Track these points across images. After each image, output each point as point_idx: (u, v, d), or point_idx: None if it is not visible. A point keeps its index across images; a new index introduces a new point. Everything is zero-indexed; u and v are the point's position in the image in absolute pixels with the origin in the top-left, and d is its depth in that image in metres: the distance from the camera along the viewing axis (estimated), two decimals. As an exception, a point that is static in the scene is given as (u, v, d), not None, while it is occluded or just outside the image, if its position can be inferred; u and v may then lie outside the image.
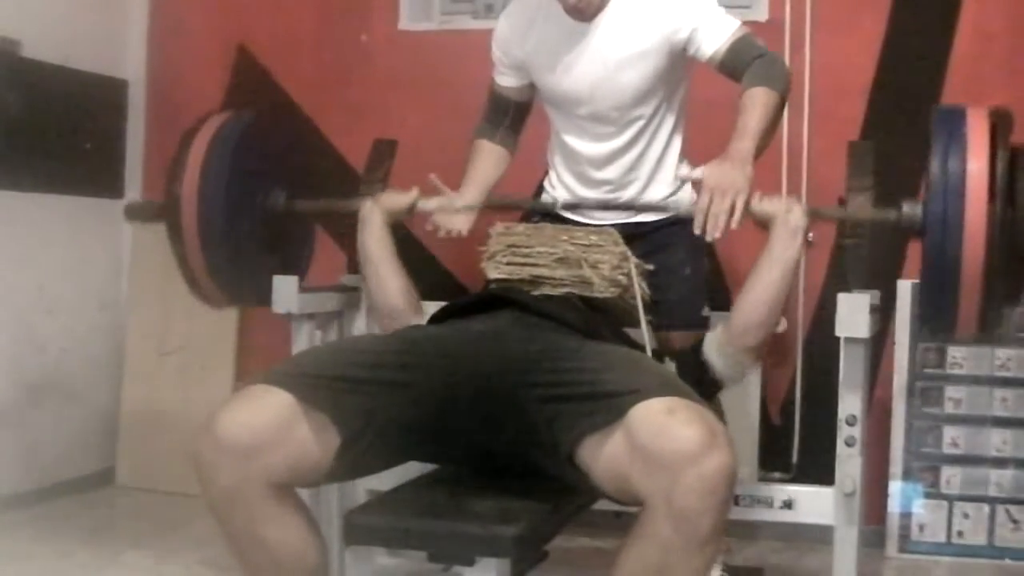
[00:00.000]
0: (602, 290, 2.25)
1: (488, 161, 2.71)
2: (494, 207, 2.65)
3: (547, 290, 2.26)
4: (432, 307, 2.45)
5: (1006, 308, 2.20)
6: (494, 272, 2.32)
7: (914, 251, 2.52)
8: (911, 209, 2.20)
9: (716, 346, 2.19)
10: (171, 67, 4.03)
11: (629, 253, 2.30)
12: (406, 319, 2.35)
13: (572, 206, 2.57)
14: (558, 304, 2.17)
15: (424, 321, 2.34)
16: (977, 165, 2.07)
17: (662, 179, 2.61)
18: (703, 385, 2.15)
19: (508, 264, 2.30)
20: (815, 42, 3.39)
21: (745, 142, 2.30)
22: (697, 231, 2.22)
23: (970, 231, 2.04)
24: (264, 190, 2.61)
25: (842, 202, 2.36)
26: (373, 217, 2.48)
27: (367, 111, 3.74)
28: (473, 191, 2.64)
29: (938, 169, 2.09)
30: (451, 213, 2.59)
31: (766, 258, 2.17)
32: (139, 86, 4.05)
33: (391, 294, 2.41)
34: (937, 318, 2.19)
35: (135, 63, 4.05)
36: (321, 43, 3.87)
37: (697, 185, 2.35)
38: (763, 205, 2.22)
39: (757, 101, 2.36)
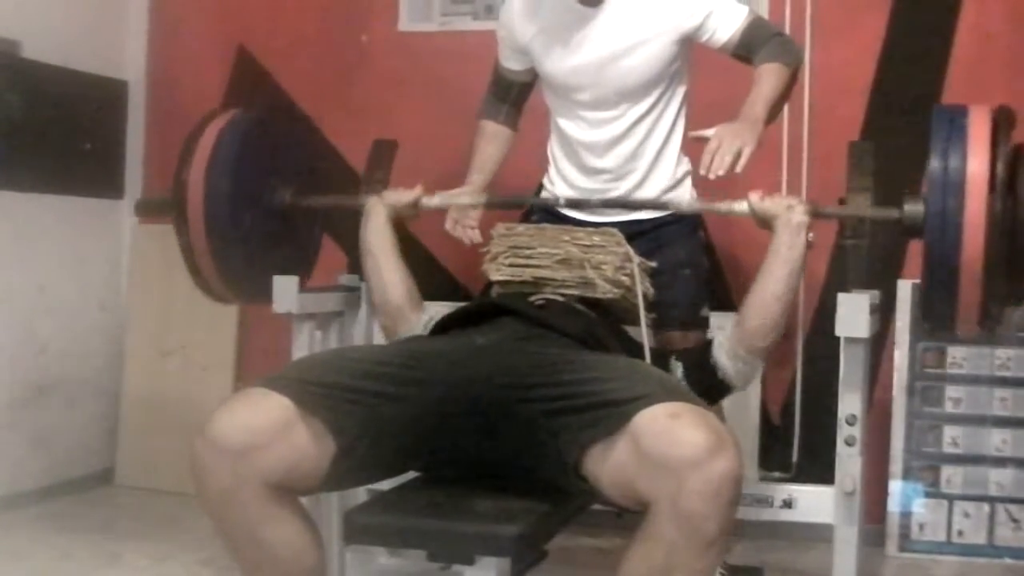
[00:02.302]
0: (605, 291, 2.25)
1: (493, 145, 2.76)
2: (496, 207, 2.67)
3: (549, 292, 2.25)
4: (432, 307, 2.45)
5: (1007, 307, 2.18)
6: (496, 274, 2.32)
7: (914, 251, 2.52)
8: (912, 208, 2.19)
9: (726, 349, 2.18)
10: (171, 67, 4.03)
11: (632, 253, 2.30)
12: (406, 316, 2.35)
13: (575, 204, 2.58)
14: (559, 312, 2.16)
15: (425, 318, 2.33)
16: (978, 163, 2.06)
17: (662, 171, 2.62)
18: (711, 389, 2.16)
19: (510, 266, 2.30)
20: (815, 42, 3.38)
21: (757, 107, 2.38)
22: (703, 171, 2.29)
23: (970, 229, 2.04)
24: (270, 186, 2.63)
25: (842, 202, 2.36)
26: (376, 212, 2.48)
27: (367, 111, 3.74)
28: (479, 178, 2.70)
29: (938, 167, 2.08)
30: (461, 220, 2.67)
31: (771, 258, 2.18)
32: (139, 86, 4.05)
33: (390, 290, 2.40)
34: (938, 317, 2.19)
35: (135, 63, 4.05)
36: (321, 43, 3.87)
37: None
38: (765, 204, 2.23)
39: (770, 74, 2.45)
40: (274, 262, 2.63)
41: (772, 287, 2.16)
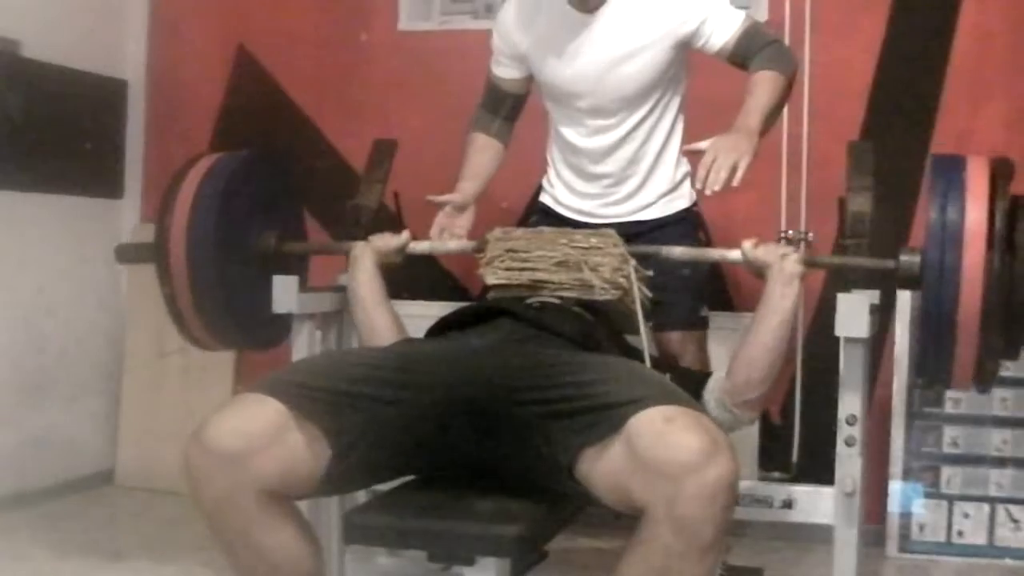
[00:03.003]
0: (603, 293, 2.24)
1: (485, 155, 2.73)
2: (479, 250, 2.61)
3: (546, 294, 2.25)
4: (430, 307, 2.45)
5: (1005, 361, 2.15)
6: (492, 278, 2.31)
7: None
8: (909, 259, 2.16)
9: (716, 398, 2.15)
10: (171, 67, 4.04)
11: (629, 255, 2.29)
12: None
13: None
14: (555, 314, 2.15)
15: None
16: (976, 216, 2.02)
17: (661, 174, 2.62)
18: None
19: (507, 269, 2.29)
20: (815, 43, 3.39)
21: (752, 119, 2.34)
22: (698, 186, 2.25)
23: (967, 284, 2.00)
24: (255, 231, 2.60)
25: (842, 202, 2.36)
26: (364, 258, 2.46)
27: (367, 111, 3.74)
28: (471, 185, 2.66)
29: (936, 219, 2.04)
30: (449, 227, 2.60)
31: (762, 308, 2.15)
32: (139, 86, 4.05)
33: (380, 335, 2.37)
34: (933, 370, 2.15)
35: (135, 63, 4.05)
36: (321, 43, 3.87)
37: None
38: (757, 252, 2.21)
39: (765, 83, 2.42)
40: (261, 308, 2.55)
41: (762, 338, 2.12)
